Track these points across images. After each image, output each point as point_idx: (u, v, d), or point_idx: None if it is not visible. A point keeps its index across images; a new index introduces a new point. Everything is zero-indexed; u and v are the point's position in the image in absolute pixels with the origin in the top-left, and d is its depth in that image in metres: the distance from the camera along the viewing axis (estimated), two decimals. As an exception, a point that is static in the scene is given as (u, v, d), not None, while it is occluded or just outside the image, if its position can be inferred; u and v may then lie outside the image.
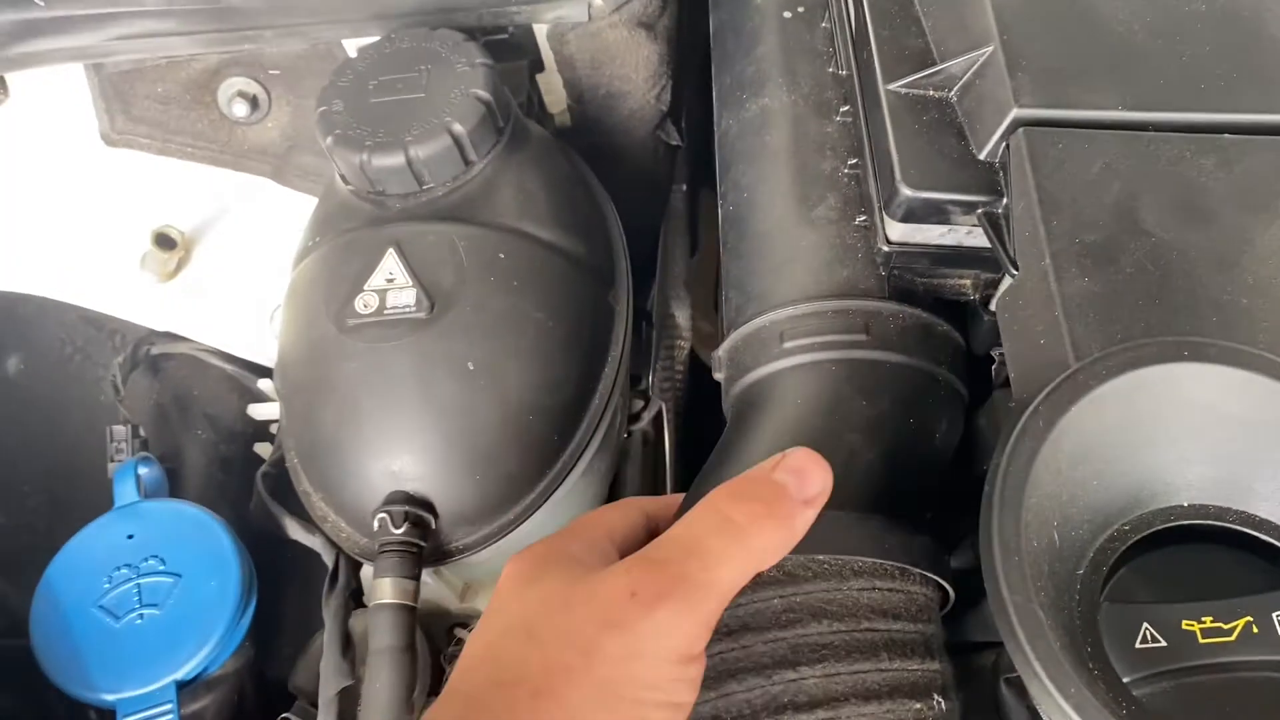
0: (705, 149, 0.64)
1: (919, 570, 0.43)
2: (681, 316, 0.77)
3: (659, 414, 0.71)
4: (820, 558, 0.42)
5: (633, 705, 0.36)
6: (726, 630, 0.41)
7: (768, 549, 0.39)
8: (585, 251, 0.57)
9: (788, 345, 0.50)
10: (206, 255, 0.67)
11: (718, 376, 0.56)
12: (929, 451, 0.49)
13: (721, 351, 0.55)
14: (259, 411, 0.65)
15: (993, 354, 0.55)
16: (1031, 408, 0.41)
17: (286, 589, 0.61)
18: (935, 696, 0.41)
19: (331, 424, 0.52)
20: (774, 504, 0.39)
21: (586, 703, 0.35)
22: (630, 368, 0.71)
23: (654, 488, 0.75)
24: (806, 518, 0.40)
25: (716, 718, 0.40)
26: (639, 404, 0.77)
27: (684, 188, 0.81)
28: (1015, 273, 0.45)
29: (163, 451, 0.65)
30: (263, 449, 0.66)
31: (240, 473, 0.64)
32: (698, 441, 0.71)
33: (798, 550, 0.40)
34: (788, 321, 0.50)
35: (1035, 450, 0.40)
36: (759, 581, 0.41)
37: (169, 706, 0.50)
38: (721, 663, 0.40)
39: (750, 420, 0.50)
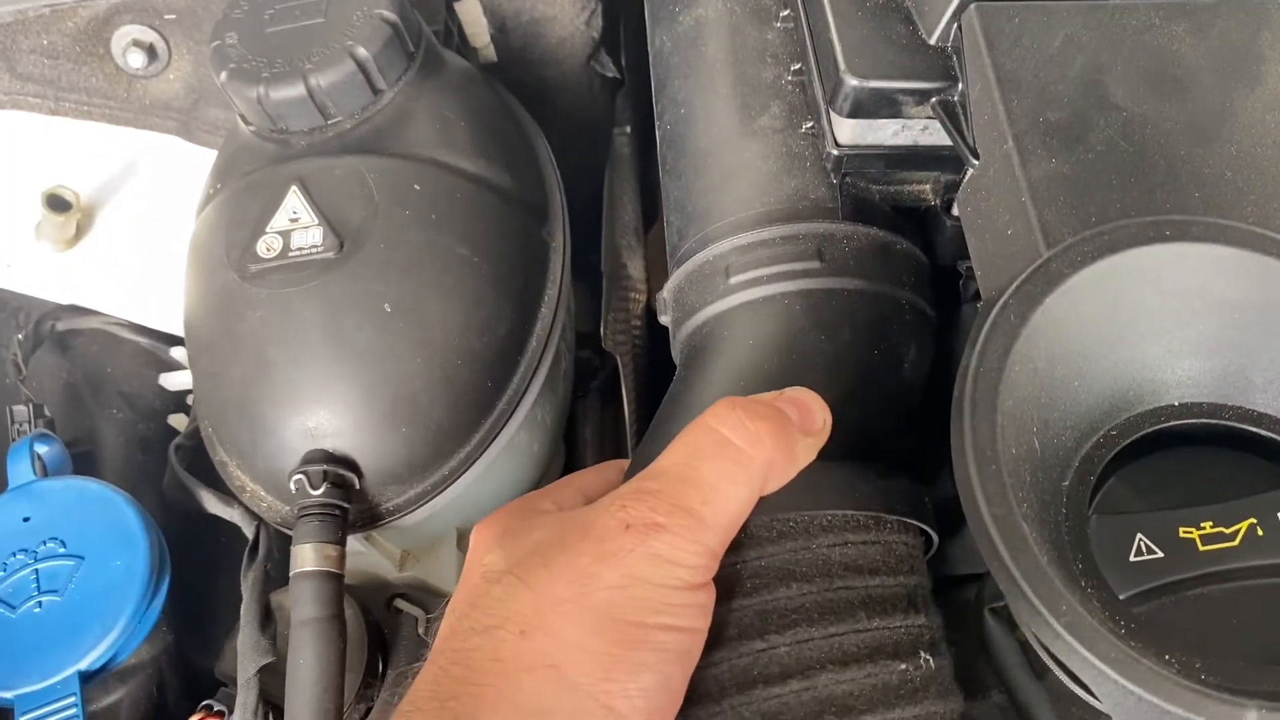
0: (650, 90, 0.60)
1: (895, 517, 0.40)
2: (634, 267, 0.72)
3: (614, 371, 0.67)
4: (785, 516, 0.39)
5: (635, 628, 0.34)
6: None
7: (769, 473, 0.37)
8: (513, 184, 0.52)
9: (735, 280, 0.46)
10: (110, 221, 0.62)
11: (664, 320, 0.52)
12: (897, 384, 0.45)
13: (666, 293, 0.51)
14: (172, 381, 0.60)
15: (959, 267, 0.51)
16: (1001, 301, 0.37)
17: (217, 573, 0.56)
18: (922, 654, 0.38)
19: (240, 381, 0.47)
20: (777, 424, 0.37)
21: (583, 631, 0.33)
22: (576, 318, 0.67)
23: (616, 450, 0.71)
24: (809, 446, 0.38)
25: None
26: (594, 361, 0.73)
27: (629, 130, 0.77)
28: (975, 162, 0.41)
29: (76, 434, 0.60)
30: (179, 421, 0.61)
31: (161, 452, 0.59)
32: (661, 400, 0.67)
33: (760, 511, 0.37)
34: (733, 254, 0.46)
35: (1008, 348, 0.36)
36: None
37: (71, 700, 0.45)
38: None
39: (700, 366, 0.46)
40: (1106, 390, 0.39)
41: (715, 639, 0.37)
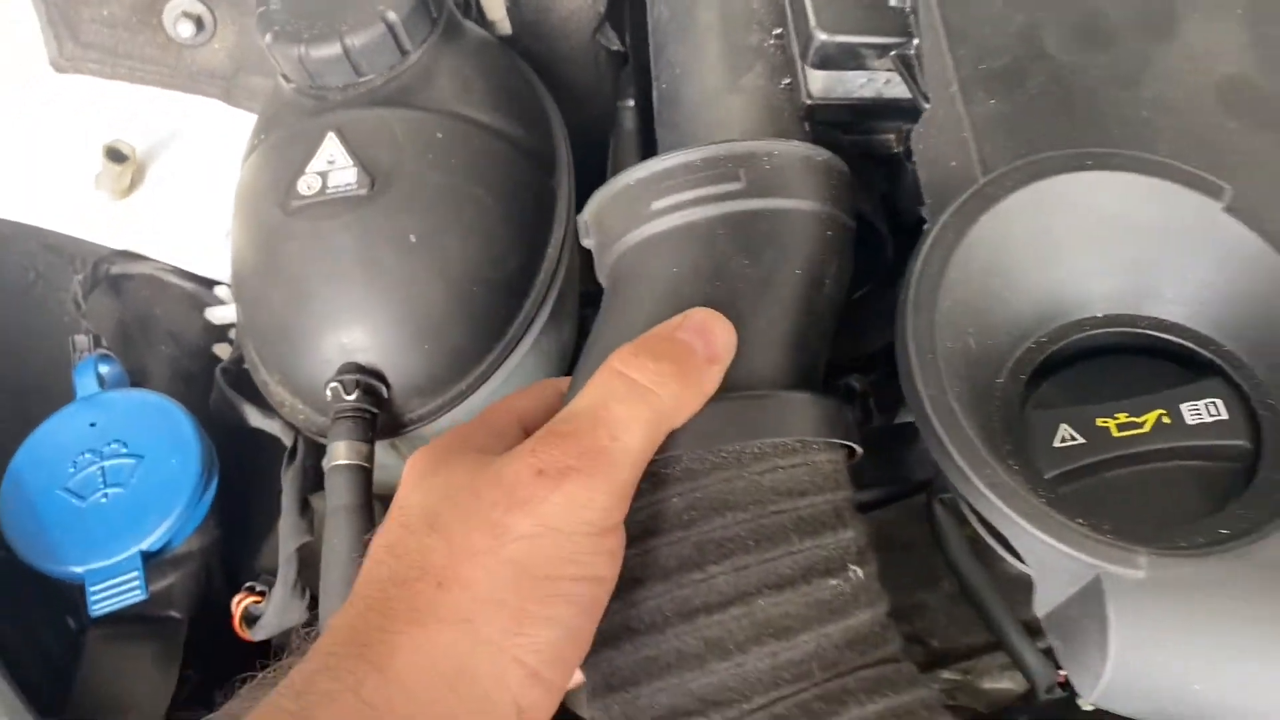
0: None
1: (821, 439, 0.41)
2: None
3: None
4: (717, 448, 0.39)
5: (546, 581, 0.35)
6: (628, 537, 0.38)
7: (677, 408, 0.38)
8: (524, 135, 0.58)
9: (656, 206, 0.46)
10: (160, 174, 0.68)
11: (587, 243, 0.50)
12: (820, 303, 0.45)
13: (586, 215, 0.49)
14: (216, 315, 0.67)
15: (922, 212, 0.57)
16: (942, 220, 0.43)
17: (258, 483, 0.62)
18: (851, 568, 0.39)
19: (280, 305, 0.53)
20: (680, 361, 0.38)
21: (497, 585, 0.34)
22: (583, 280, 0.72)
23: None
24: (713, 375, 0.39)
25: (626, 627, 0.38)
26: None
27: (632, 104, 0.82)
28: (927, 106, 0.47)
29: (129, 369, 0.66)
30: (223, 350, 0.68)
31: (203, 386, 0.66)
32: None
33: (695, 445, 0.39)
34: (653, 178, 0.46)
35: (946, 258, 0.42)
36: (657, 481, 0.39)
37: (134, 575, 0.51)
38: (626, 570, 0.38)
39: (623, 296, 0.47)
40: (1036, 301, 0.44)
41: (655, 572, 0.38)
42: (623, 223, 0.47)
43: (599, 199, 0.48)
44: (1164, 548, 0.37)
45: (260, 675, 0.37)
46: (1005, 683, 0.52)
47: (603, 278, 0.49)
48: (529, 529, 0.35)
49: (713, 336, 0.39)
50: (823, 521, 0.39)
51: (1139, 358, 0.46)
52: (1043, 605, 0.40)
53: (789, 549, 0.38)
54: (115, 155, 0.64)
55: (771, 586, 0.38)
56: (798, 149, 0.46)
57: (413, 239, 0.52)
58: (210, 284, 0.68)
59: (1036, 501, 0.38)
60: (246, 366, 0.58)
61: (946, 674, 0.53)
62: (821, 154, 0.47)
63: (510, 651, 0.34)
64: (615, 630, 0.38)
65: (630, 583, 0.38)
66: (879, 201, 0.55)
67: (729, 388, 0.40)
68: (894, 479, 0.57)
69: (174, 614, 0.56)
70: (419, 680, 0.33)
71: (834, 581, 0.38)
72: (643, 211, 0.46)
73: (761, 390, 0.41)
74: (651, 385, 0.37)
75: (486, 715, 0.34)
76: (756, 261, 0.44)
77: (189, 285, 0.68)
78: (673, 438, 0.39)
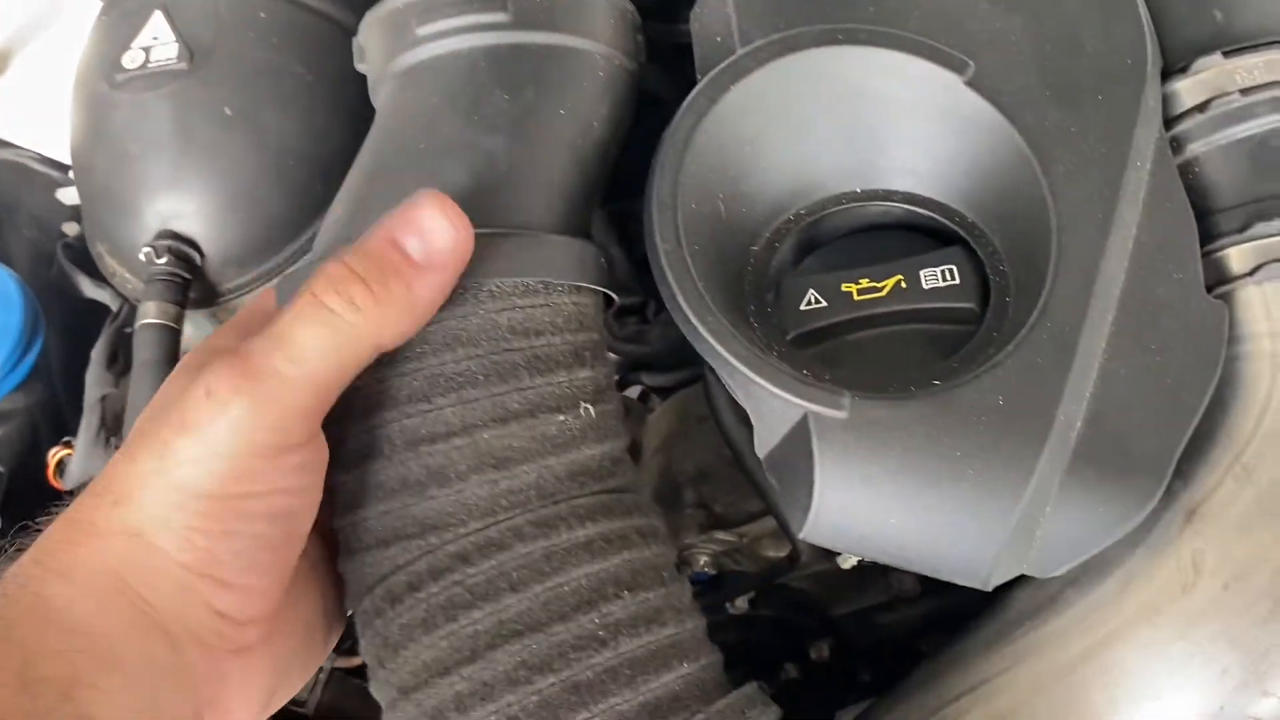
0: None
1: (566, 281, 0.41)
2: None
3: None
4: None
5: (214, 501, 0.35)
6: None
7: (377, 330, 0.37)
8: (353, 20, 0.60)
9: (421, 32, 0.44)
10: (25, 61, 0.70)
11: (361, 68, 0.49)
12: (586, 147, 0.45)
13: (359, 38, 0.48)
14: (66, 195, 0.69)
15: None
16: (697, 88, 0.45)
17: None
18: (583, 405, 0.40)
19: (105, 174, 0.55)
20: (381, 280, 0.36)
21: (164, 506, 0.34)
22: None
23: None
24: (431, 283, 0.37)
25: (358, 451, 0.40)
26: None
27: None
28: (703, -12, 0.48)
29: (-7, 254, 0.68)
30: (71, 229, 0.70)
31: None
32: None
33: None
34: (420, 2, 0.45)
35: (695, 124, 0.44)
36: None
37: (-50, 425, 0.54)
38: (364, 397, 0.39)
39: (384, 129, 0.46)
40: (790, 174, 0.46)
41: (387, 401, 0.39)
42: (390, 48, 0.46)
43: (368, 20, 0.47)
44: (867, 392, 0.40)
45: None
46: (784, 550, 0.55)
47: (377, 105, 0.48)
48: (194, 453, 0.34)
49: (431, 238, 0.37)
50: (557, 360, 0.40)
51: (895, 232, 0.48)
52: (762, 447, 0.42)
53: (519, 385, 0.39)
54: (-30, 38, 0.66)
55: (497, 420, 0.39)
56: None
57: (228, 112, 0.54)
58: (69, 169, 0.70)
59: (750, 347, 0.40)
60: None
61: (723, 535, 0.55)
62: None
63: (186, 564, 0.35)
64: (349, 455, 0.40)
65: (365, 410, 0.39)
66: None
67: (479, 223, 0.39)
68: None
69: (-4, 466, 0.59)
70: (98, 585, 0.34)
71: (562, 417, 0.40)
72: (408, 37, 0.45)
73: (508, 229, 0.41)
74: (343, 311, 0.36)
75: (175, 617, 0.35)
76: (517, 98, 0.43)
77: (53, 172, 0.70)
78: None
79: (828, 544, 0.42)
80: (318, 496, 0.38)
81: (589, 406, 0.41)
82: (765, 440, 0.42)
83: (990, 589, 0.41)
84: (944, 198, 0.46)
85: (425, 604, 0.37)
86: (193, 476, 0.35)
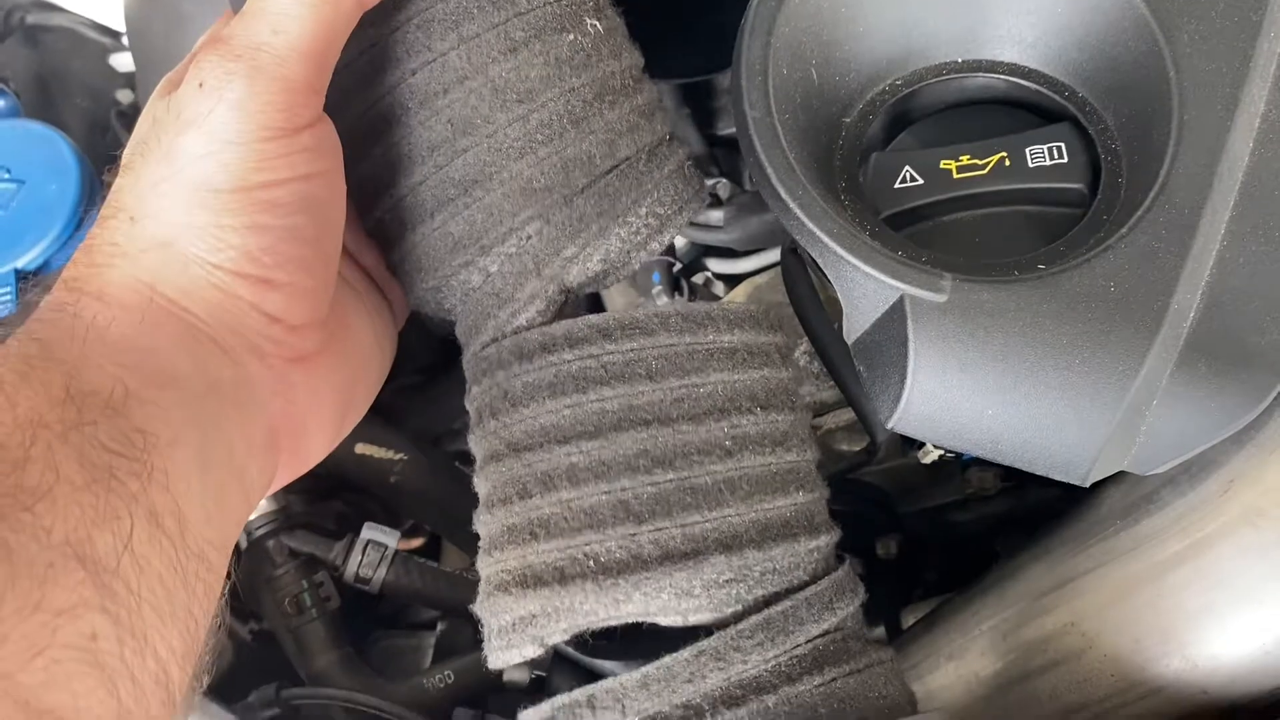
0: None
1: None
2: None
3: None
4: None
5: (236, 195, 0.33)
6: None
7: None
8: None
9: None
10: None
11: None
12: None
13: None
14: (119, 61, 0.67)
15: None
16: (789, -52, 0.41)
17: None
18: (588, 21, 0.39)
19: (159, 36, 0.53)
20: None
21: (185, 208, 0.33)
22: None
23: None
24: None
25: (372, 128, 0.38)
26: None
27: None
28: None
29: (45, 121, 0.66)
30: (125, 96, 0.68)
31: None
32: None
33: None
34: None
35: (789, -15, 0.41)
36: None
37: (8, 290, 0.53)
38: (356, 72, 0.38)
39: None
40: (888, 40, 0.43)
41: (385, 64, 0.37)
42: None
43: None
44: (967, 274, 0.37)
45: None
46: (857, 444, 0.53)
47: None
48: (201, 148, 0.33)
49: None
50: None
51: (996, 108, 0.45)
52: (852, 332, 0.40)
53: (516, 10, 0.38)
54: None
55: (504, 52, 0.37)
56: None
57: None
58: (121, 35, 0.68)
59: (844, 224, 0.38)
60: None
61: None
62: None
63: (223, 265, 0.33)
64: (363, 137, 0.39)
65: (365, 82, 0.38)
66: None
67: None
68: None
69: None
70: (135, 302, 0.33)
71: (570, 36, 0.38)
72: None
73: None
74: None
75: (223, 326, 0.34)
76: None
77: (105, 39, 0.67)
78: None
79: (917, 434, 0.40)
80: (340, 185, 0.37)
81: (595, 22, 0.39)
82: (855, 325, 0.40)
83: (1088, 485, 0.39)
84: (1052, 70, 0.43)
85: (556, 369, 0.37)
86: (206, 172, 0.33)
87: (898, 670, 0.38)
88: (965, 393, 0.37)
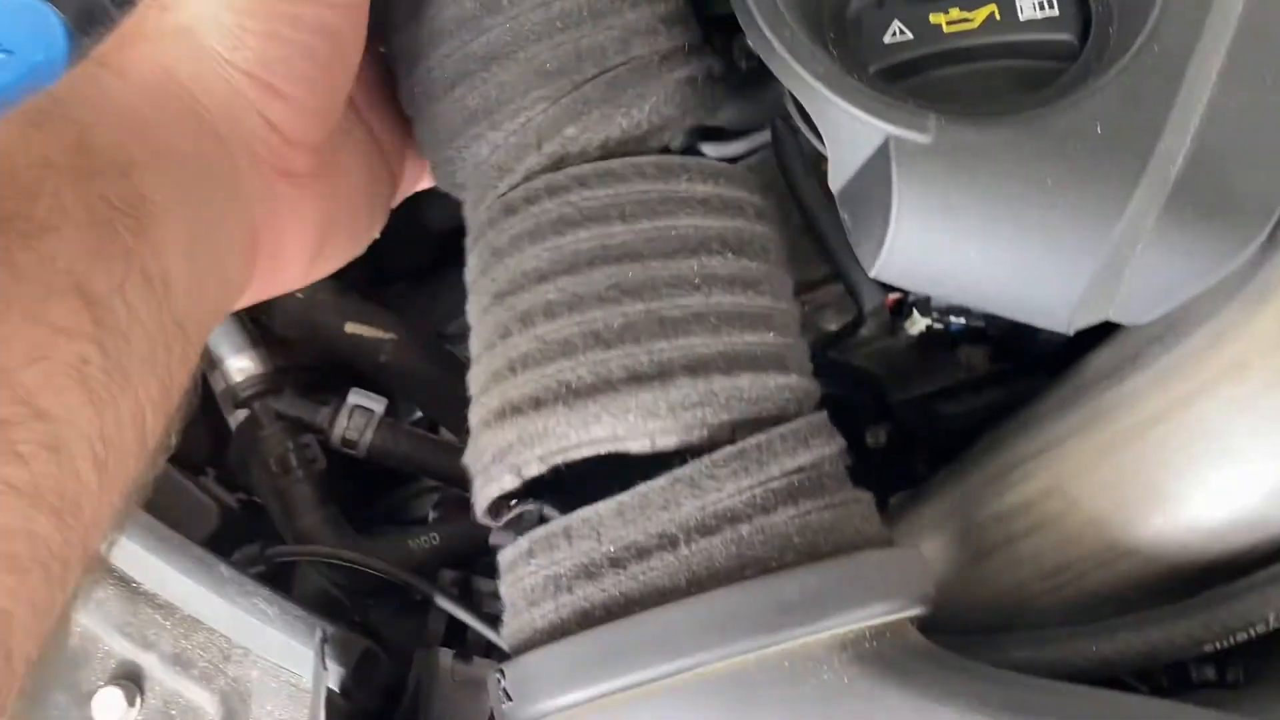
0: None
1: None
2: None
3: None
4: None
5: (267, 3, 0.36)
6: None
7: None
8: None
9: None
10: None
11: None
12: None
13: None
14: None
15: None
16: None
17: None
18: None
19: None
20: None
21: (212, 4, 0.35)
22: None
23: None
24: None
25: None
26: None
27: None
28: None
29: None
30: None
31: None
32: None
33: None
34: None
35: None
36: None
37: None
38: None
39: None
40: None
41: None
42: None
43: None
44: (953, 115, 0.37)
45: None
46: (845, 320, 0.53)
47: None
48: None
49: None
50: None
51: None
52: (837, 180, 0.40)
53: None
54: None
55: None
56: None
57: None
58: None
59: (828, 62, 0.38)
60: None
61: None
62: None
63: (237, 63, 0.36)
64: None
65: None
66: None
67: None
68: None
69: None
70: (151, 81, 0.35)
71: None
72: None
73: None
74: None
75: (226, 119, 0.36)
76: None
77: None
78: None
79: (901, 282, 0.40)
80: (361, 27, 0.39)
81: None
82: (840, 171, 0.39)
83: (1072, 332, 0.39)
84: (1049, -79, 0.42)
85: (537, 219, 0.39)
86: None
87: (874, 511, 0.38)
88: (948, 235, 0.37)
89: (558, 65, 0.40)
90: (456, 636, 0.47)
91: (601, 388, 0.35)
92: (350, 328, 0.54)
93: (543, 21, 0.40)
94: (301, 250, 0.40)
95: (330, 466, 0.53)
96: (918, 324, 0.48)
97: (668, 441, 0.35)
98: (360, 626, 0.49)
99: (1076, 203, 0.36)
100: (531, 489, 0.38)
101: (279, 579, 0.47)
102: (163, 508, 0.46)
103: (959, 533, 0.46)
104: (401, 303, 0.62)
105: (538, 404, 0.36)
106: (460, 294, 0.43)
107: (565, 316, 0.37)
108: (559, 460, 0.36)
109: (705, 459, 0.35)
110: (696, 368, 0.36)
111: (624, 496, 0.35)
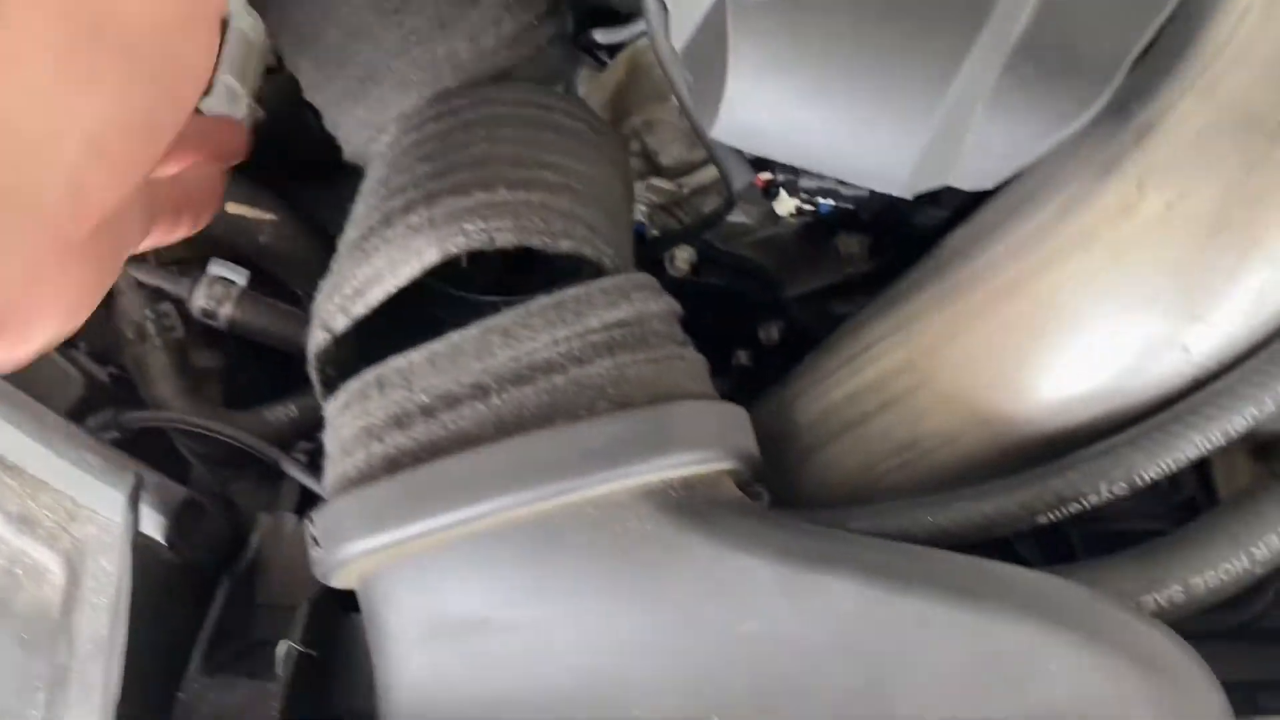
0: None
1: None
2: None
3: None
4: None
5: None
6: None
7: None
8: None
9: None
10: None
11: None
12: None
13: None
14: None
15: None
16: None
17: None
18: None
19: None
20: None
21: (40, 24, 0.29)
22: None
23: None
24: None
25: None
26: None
27: None
28: None
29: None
30: None
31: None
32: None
33: None
34: None
35: None
36: None
37: None
38: None
39: None
40: None
41: None
42: None
43: None
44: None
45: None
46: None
47: None
48: None
49: None
50: None
51: None
52: (679, 36, 0.39)
53: None
54: None
55: None
56: None
57: None
58: None
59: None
60: None
61: (661, 183, 0.53)
62: None
63: (65, 106, 0.30)
64: None
65: None
66: None
67: None
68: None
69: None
70: None
71: None
72: None
73: None
74: None
75: (37, 170, 0.30)
76: None
77: None
78: None
79: (740, 143, 0.39)
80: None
81: None
82: (682, 28, 0.39)
83: (912, 196, 0.38)
84: None
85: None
86: None
87: (704, 372, 0.38)
88: (785, 93, 0.36)
89: None
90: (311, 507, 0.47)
91: (379, 228, 0.35)
92: (232, 208, 0.53)
93: None
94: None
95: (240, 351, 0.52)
96: (785, 204, 0.48)
97: (432, 257, 0.35)
98: (219, 498, 0.48)
99: (911, 60, 0.35)
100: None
101: (150, 452, 0.46)
102: (24, 379, 0.45)
103: (814, 415, 0.46)
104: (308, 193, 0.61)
105: (368, 238, 0.35)
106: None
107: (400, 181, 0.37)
108: (358, 308, 0.35)
109: (520, 308, 0.35)
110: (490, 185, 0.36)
111: (436, 344, 0.34)
